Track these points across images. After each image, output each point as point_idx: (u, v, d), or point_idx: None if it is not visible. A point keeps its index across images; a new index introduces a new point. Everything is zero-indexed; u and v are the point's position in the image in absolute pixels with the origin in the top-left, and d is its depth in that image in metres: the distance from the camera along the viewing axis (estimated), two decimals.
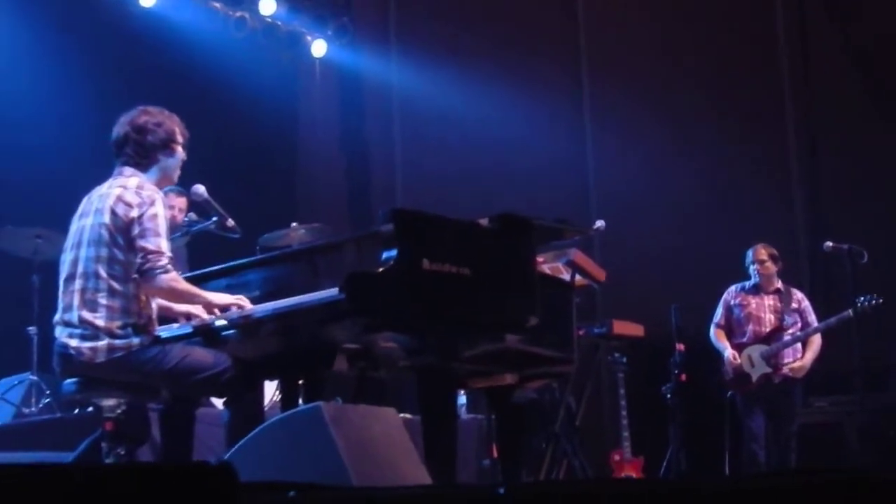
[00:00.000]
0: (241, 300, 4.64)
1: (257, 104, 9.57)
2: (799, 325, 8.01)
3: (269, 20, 10.10)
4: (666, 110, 9.57)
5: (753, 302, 8.10)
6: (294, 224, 7.59)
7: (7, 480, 2.12)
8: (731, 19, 9.74)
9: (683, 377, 7.49)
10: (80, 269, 4.62)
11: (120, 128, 4.83)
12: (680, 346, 7.52)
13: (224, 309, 4.62)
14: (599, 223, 6.95)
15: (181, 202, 6.64)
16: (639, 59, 9.76)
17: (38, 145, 8.03)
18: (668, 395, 7.56)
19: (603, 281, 6.94)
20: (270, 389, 6.40)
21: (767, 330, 7.99)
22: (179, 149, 4.88)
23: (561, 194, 9.43)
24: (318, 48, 10.49)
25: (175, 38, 9.20)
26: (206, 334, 4.67)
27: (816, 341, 7.95)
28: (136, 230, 4.59)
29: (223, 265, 5.13)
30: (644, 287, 8.78)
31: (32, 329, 7.08)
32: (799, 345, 7.96)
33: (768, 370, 7.86)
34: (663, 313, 7.70)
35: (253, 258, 5.27)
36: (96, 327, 4.51)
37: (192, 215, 6.36)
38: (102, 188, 4.76)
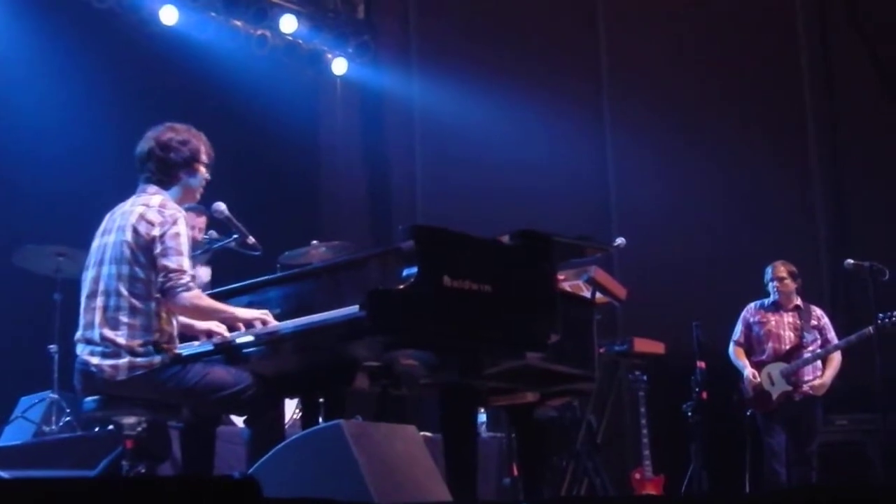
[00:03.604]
0: (266, 315, 4.63)
1: (278, 122, 9.60)
2: (819, 342, 7.96)
3: (290, 38, 10.13)
4: (687, 127, 9.54)
5: (773, 319, 8.06)
6: (315, 241, 7.59)
7: (32, 494, 2.13)
8: (753, 34, 9.70)
9: (704, 395, 7.46)
10: (101, 286, 4.63)
11: (145, 143, 4.84)
12: (701, 364, 7.49)
13: (249, 324, 4.61)
14: (620, 240, 6.93)
15: (200, 221, 6.66)
16: (660, 76, 9.74)
17: (60, 163, 8.07)
18: (690, 413, 7.53)
19: (624, 298, 6.91)
20: (291, 407, 6.40)
21: (787, 347, 7.95)
22: (203, 169, 4.88)
23: (582, 211, 9.41)
24: (339, 66, 10.52)
25: (196, 57, 9.24)
26: (227, 352, 4.67)
27: (836, 359, 7.91)
28: (157, 248, 4.59)
29: (244, 282, 5.12)
30: (665, 304, 8.73)
31: (53, 347, 7.07)
32: (819, 362, 7.92)
33: (788, 388, 7.82)
34: (684, 331, 7.67)
35: (274, 275, 5.26)
36: (117, 345, 4.51)
37: (213, 233, 6.38)
38: (125, 205, 4.77)
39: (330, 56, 10.50)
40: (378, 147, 10.77)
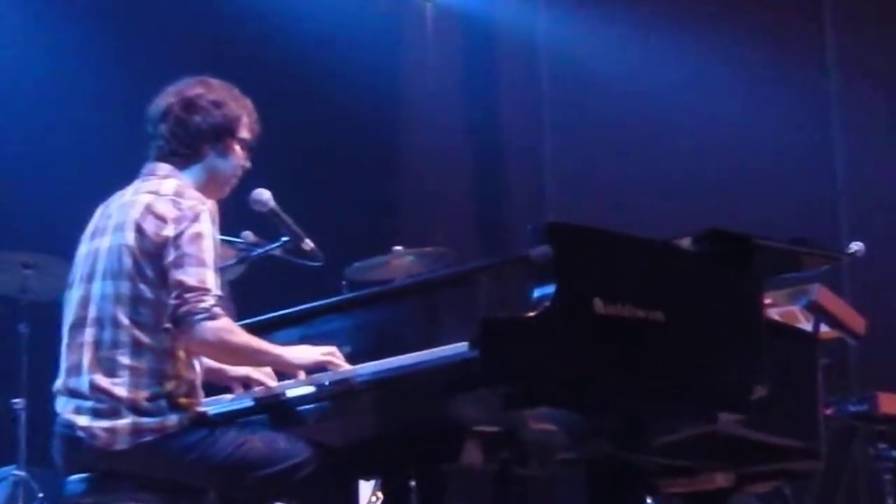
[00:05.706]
0: (334, 355, 4.66)
1: (346, 71, 9.67)
2: None
3: None
4: None
5: None
6: (398, 248, 7.65)
7: None
8: None
9: None
10: (91, 312, 4.69)
11: (163, 98, 4.89)
12: None
13: (312, 370, 4.65)
14: (856, 246, 6.90)
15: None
16: None
17: (31, 137, 8.20)
18: None
19: (862, 333, 6.87)
20: (367, 492, 6.45)
21: None
22: (238, 150, 4.91)
23: (796, 205, 9.37)
24: None
25: None
26: (273, 410, 4.73)
27: None
28: (170, 256, 4.63)
29: (294, 309, 5.20)
30: None
31: (19, 402, 7.20)
32: None
33: None
34: None
35: (339, 298, 5.35)
36: (116, 398, 4.56)
37: (250, 234, 6.42)
38: (125, 195, 4.84)
39: None
40: (488, 106, 10.80)
